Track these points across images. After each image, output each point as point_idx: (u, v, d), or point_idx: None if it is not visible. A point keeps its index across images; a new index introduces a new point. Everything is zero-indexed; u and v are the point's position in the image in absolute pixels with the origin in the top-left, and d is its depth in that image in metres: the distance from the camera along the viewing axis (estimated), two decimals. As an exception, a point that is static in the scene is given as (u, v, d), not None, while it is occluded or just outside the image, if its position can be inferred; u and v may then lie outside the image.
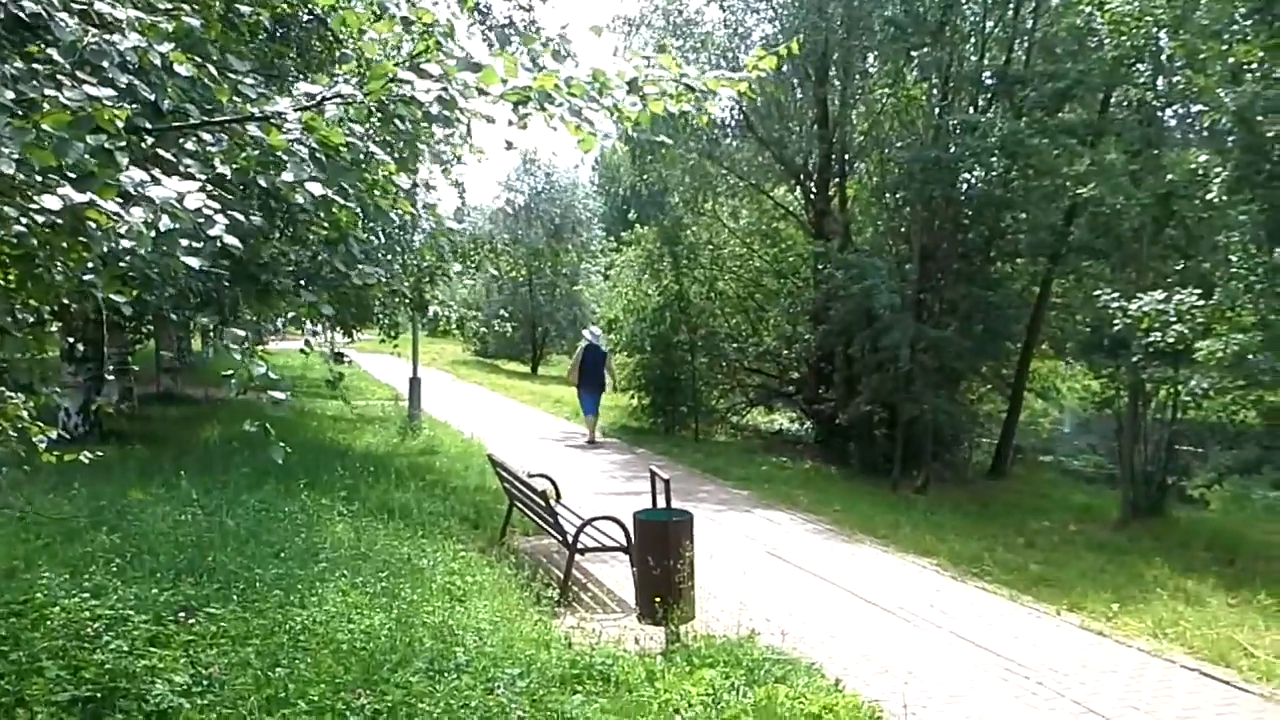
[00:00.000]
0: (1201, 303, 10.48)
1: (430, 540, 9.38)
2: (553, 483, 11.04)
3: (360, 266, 12.46)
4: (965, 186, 17.16)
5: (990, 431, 23.09)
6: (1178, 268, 13.06)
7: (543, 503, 8.68)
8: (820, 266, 19.06)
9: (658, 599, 7.16)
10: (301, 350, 5.56)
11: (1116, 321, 11.23)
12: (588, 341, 20.46)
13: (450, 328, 17.13)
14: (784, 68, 20.19)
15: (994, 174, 15.79)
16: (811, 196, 22.19)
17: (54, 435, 4.51)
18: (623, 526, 8.70)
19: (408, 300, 14.91)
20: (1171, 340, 10.51)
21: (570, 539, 8.56)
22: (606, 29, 22.10)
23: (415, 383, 19.26)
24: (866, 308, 16.67)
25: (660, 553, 7.32)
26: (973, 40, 17.31)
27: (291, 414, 19.25)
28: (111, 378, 17.16)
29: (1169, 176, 12.12)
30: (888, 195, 18.50)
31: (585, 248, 49.03)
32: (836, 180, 21.34)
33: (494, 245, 17.46)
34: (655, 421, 22.20)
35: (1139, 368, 11.76)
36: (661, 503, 8.02)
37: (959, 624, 8.28)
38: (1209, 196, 10.73)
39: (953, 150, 15.41)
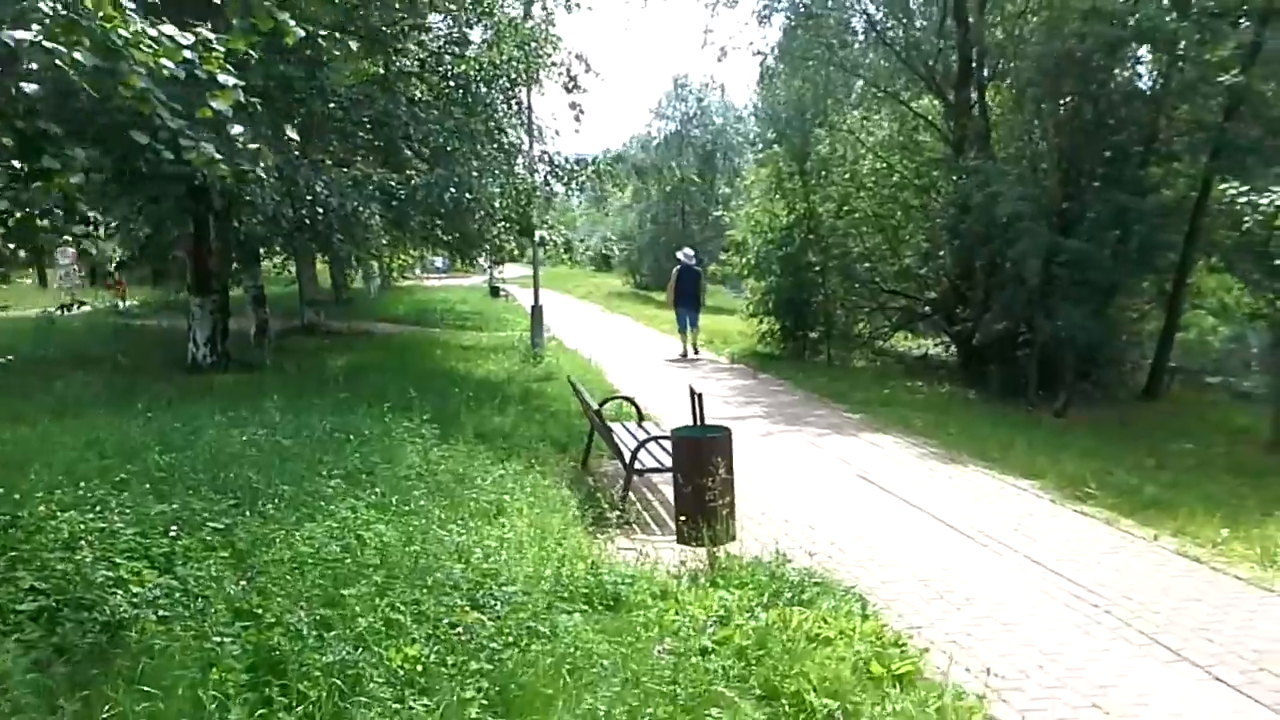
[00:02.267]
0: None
1: (505, 463, 9.35)
2: (634, 404, 10.84)
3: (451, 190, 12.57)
4: (1110, 84, 15.69)
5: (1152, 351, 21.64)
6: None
7: (601, 423, 8.42)
8: (954, 177, 17.97)
9: (683, 517, 6.88)
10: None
11: (1247, 219, 10.10)
12: (681, 263, 21.10)
13: (560, 253, 17.10)
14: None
15: (1134, 65, 14.37)
16: (950, 103, 20.91)
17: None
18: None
19: (515, 225, 14.85)
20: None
21: (628, 458, 8.34)
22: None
23: (538, 310, 19.34)
24: (997, 218, 15.65)
25: (695, 470, 7.01)
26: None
27: (424, 342, 19.82)
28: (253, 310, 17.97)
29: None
30: (1025, 96, 17.14)
31: (738, 173, 47.90)
32: (977, 85, 20.06)
33: (598, 165, 17.11)
34: (786, 347, 21.62)
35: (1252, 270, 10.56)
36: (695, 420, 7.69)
37: (1039, 549, 7.68)
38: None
39: (1087, 41, 14.07)
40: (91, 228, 13.49)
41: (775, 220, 21.24)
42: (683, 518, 6.99)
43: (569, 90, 18.12)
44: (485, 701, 4.18)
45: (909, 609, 6.39)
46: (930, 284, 21.81)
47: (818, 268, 20.84)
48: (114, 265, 22.13)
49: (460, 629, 4.66)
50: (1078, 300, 16.41)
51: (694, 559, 6.80)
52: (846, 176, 22.72)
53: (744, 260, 21.93)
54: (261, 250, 12.69)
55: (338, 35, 14.74)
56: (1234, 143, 14.22)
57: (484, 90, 14.55)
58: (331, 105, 13.08)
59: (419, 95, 15.21)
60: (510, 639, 4.68)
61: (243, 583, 4.85)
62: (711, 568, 6.42)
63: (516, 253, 18.86)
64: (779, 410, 14.44)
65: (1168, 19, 12.92)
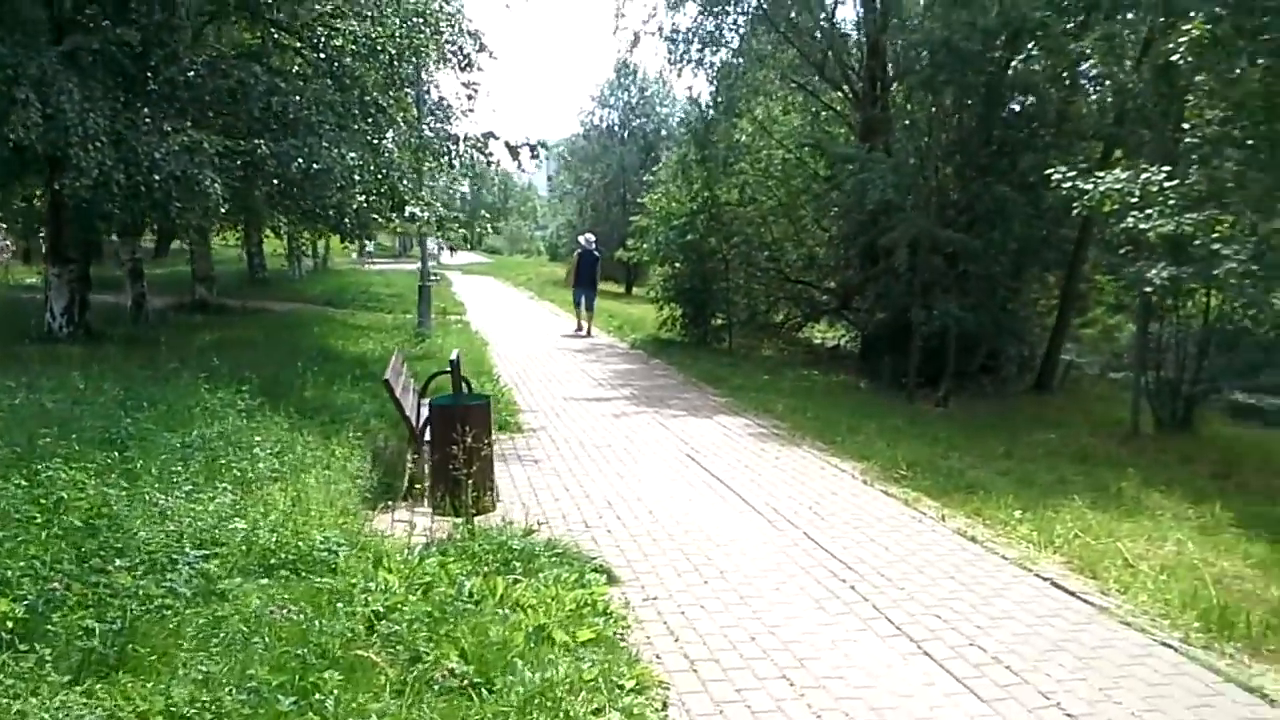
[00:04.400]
0: (1173, 181, 9.21)
1: (310, 435, 9.16)
2: (464, 378, 10.65)
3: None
4: (990, 75, 15.63)
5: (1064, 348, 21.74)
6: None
7: (390, 393, 8.16)
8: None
9: (438, 487, 6.70)
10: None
11: (1075, 205, 10.04)
12: (582, 247, 22.95)
13: (432, 231, 16.87)
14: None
15: (997, 55, 14.29)
16: (858, 96, 20.85)
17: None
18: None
19: (385, 200, 14.59)
20: (1139, 227, 9.27)
21: (415, 428, 8.15)
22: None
23: (424, 290, 19.15)
24: (867, 206, 15.59)
25: (445, 439, 6.84)
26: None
27: (314, 321, 19.48)
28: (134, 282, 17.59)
29: (1168, 45, 10.68)
30: (906, 87, 17.10)
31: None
32: (881, 77, 20.01)
33: (475, 142, 16.91)
34: (689, 334, 21.48)
35: (1121, 265, 10.54)
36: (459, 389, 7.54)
37: (822, 526, 7.59)
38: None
39: (963, 29, 13.99)
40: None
41: (679, 207, 21.07)
42: (437, 488, 6.81)
43: (463, 69, 17.97)
44: (93, 661, 3.99)
45: (655, 581, 6.27)
46: (830, 274, 21.78)
47: (720, 255, 20.70)
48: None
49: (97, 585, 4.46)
50: (960, 292, 16.42)
51: (445, 529, 6.64)
52: (759, 166, 22.65)
53: (645, 246, 21.78)
54: (101, 221, 12.27)
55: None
56: (1123, 139, 14.15)
57: (354, 64, 14.27)
58: (189, 74, 12.79)
59: (294, 68, 14.95)
60: (147, 600, 4.48)
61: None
62: (449, 538, 6.25)
63: (398, 228, 18.43)
64: (647, 393, 14.32)
65: (1035, 10, 12.84)
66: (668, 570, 6.49)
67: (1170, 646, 5.38)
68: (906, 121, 17.51)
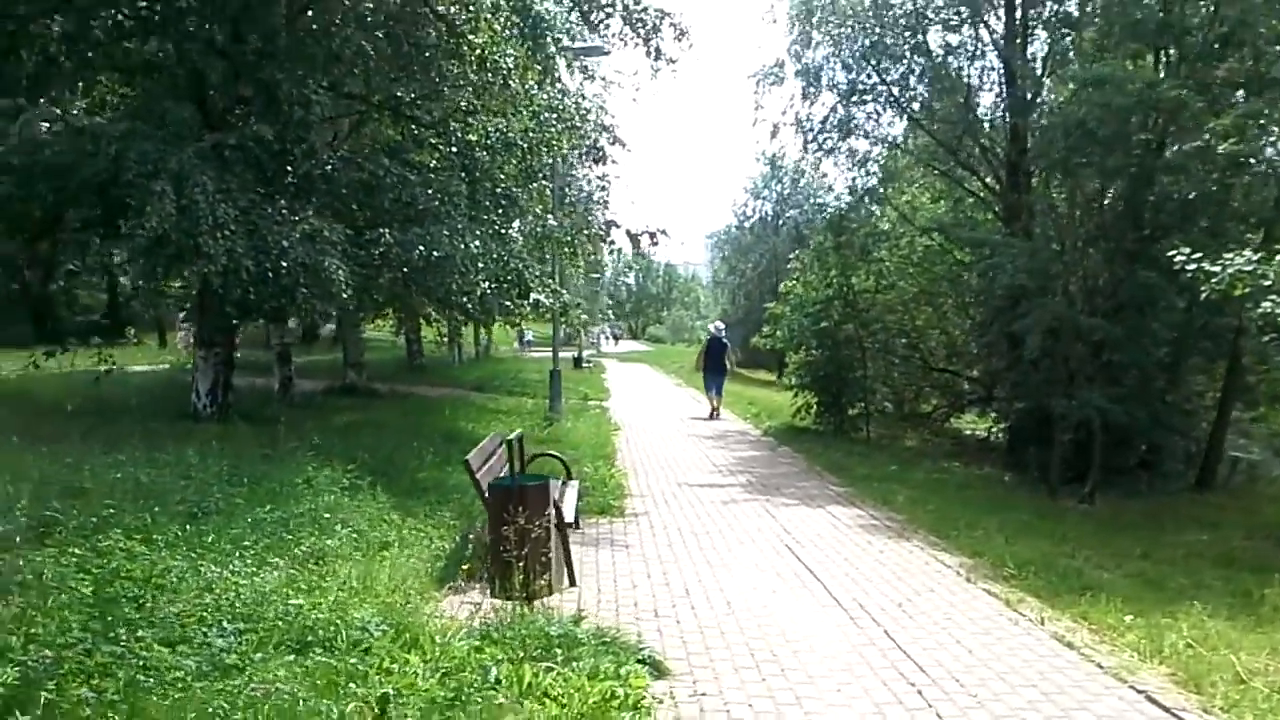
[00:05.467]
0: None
1: (409, 515, 9.32)
2: (563, 461, 10.67)
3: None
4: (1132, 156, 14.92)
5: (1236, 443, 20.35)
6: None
7: (470, 474, 8.12)
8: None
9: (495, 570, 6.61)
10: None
11: (1204, 289, 9.35)
12: (711, 335, 23.72)
13: (558, 316, 17.16)
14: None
15: (1144, 137, 13.62)
16: (1000, 182, 20.30)
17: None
18: (555, 502, 8.09)
19: (510, 287, 14.91)
20: (1275, 311, 8.55)
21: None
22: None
23: (554, 375, 19.39)
24: (1013, 294, 15.00)
25: (499, 521, 6.77)
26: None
27: (454, 405, 19.96)
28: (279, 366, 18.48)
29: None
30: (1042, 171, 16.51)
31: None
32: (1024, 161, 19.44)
33: (595, 232, 17.18)
34: (824, 422, 21.01)
35: (1269, 352, 9.73)
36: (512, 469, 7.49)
37: (906, 626, 7.13)
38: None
39: (1097, 111, 13.42)
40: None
41: (814, 293, 20.83)
42: (493, 570, 6.73)
43: (597, 162, 18.38)
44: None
45: (710, 676, 5.99)
46: (974, 362, 21.02)
47: (856, 342, 20.29)
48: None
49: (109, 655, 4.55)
50: (1108, 381, 15.55)
51: (501, 612, 6.54)
52: (900, 253, 22.27)
53: (779, 334, 21.54)
54: (232, 307, 12.91)
55: (360, 104, 15.39)
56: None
57: (485, 157, 14.79)
58: (327, 168, 13.48)
59: (432, 161, 15.58)
60: (153, 672, 4.53)
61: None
62: (498, 622, 6.14)
63: (531, 316, 18.76)
64: (764, 481, 13.99)
65: (1166, 87, 12.23)
66: (725, 665, 6.20)
67: (1264, 775, 4.78)
68: (1042, 206, 16.83)
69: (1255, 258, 8.71)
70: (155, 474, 9.02)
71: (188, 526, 7.01)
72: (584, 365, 41.71)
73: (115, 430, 12.70)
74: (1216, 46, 13.29)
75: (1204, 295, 9.69)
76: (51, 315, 32.72)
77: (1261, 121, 10.75)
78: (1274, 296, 8.51)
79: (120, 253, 11.55)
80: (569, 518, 8.49)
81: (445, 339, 33.38)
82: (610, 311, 61.68)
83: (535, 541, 6.59)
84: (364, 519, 8.57)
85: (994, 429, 22.64)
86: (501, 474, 8.49)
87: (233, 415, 14.90)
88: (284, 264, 11.66)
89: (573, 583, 7.91)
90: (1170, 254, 10.05)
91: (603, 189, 18.08)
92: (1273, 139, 10.31)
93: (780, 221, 49.79)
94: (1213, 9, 13.53)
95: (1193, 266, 9.32)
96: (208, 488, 8.39)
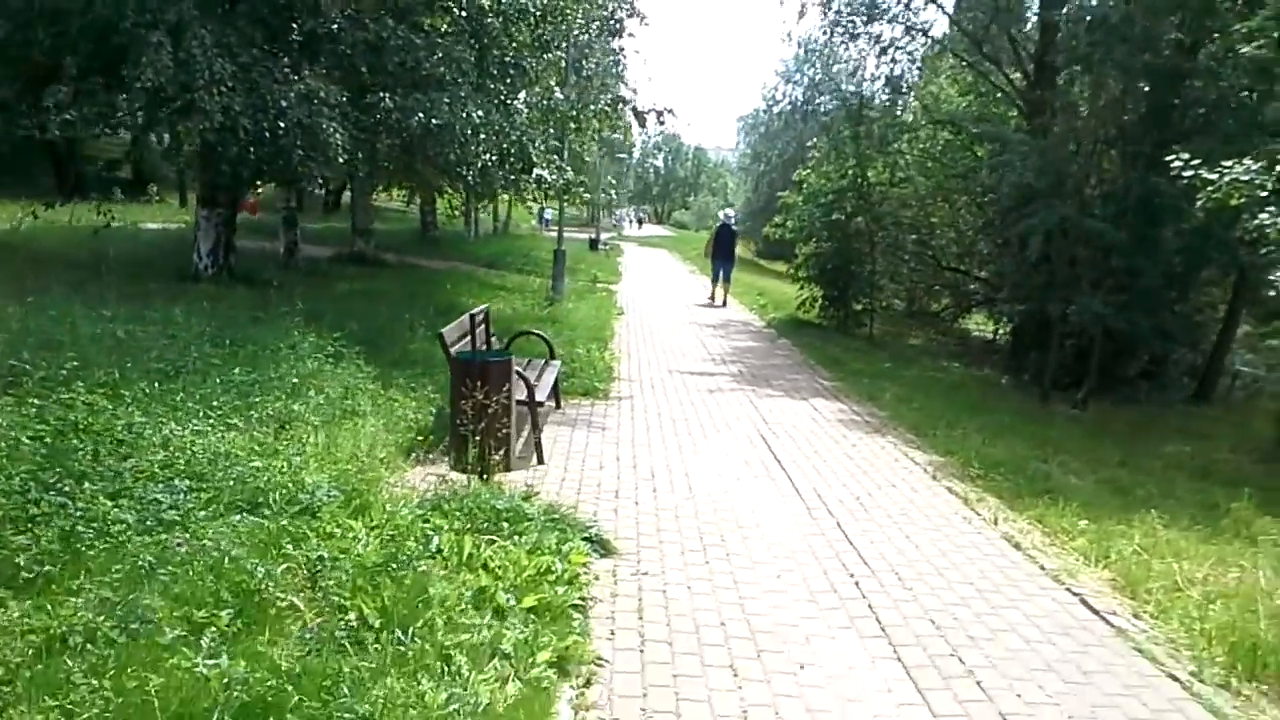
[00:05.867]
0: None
1: (390, 385, 9.40)
2: (546, 340, 10.69)
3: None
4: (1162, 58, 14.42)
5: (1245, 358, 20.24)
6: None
7: (444, 348, 8.14)
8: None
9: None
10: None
11: (1200, 197, 9.13)
12: (721, 221, 23.35)
13: (562, 194, 17.00)
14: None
15: (1174, 36, 13.12)
16: (1027, 78, 19.73)
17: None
18: (526, 380, 8.13)
19: (513, 161, 14.71)
20: (1267, 224, 8.34)
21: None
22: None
23: (559, 255, 19.29)
24: (1023, 194, 14.71)
25: (458, 395, 6.81)
26: None
27: (459, 279, 19.96)
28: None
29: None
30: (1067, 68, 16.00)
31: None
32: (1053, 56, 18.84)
33: (601, 108, 16.84)
34: (830, 317, 20.89)
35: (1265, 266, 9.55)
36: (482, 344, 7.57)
37: (860, 519, 7.20)
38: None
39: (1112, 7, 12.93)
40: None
41: (828, 184, 20.47)
42: (453, 444, 6.81)
43: (614, 35, 17.92)
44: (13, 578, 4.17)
45: (656, 557, 6.10)
46: (984, 263, 20.78)
47: (866, 236, 20.02)
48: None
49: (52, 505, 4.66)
50: (1115, 289, 15.35)
51: (457, 485, 6.64)
52: (920, 146, 21.84)
53: (789, 224, 21.25)
54: (229, 166, 12.77)
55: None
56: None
57: (496, 24, 14.44)
58: (333, 26, 13.20)
59: (444, 25, 15.22)
60: (93, 523, 4.65)
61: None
62: (462, 495, 6.23)
63: (529, 192, 18.47)
64: (756, 371, 14.01)
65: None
66: (674, 548, 6.31)
67: (1176, 679, 4.87)
68: (1062, 104, 16.37)
69: (1255, 167, 8.47)
70: (139, 330, 9.15)
71: (158, 384, 7.11)
72: (600, 247, 41.40)
73: (110, 286, 12.83)
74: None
75: (1199, 203, 9.48)
76: (75, 167, 32.73)
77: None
78: (1271, 209, 8.29)
79: (120, 104, 11.41)
80: (542, 396, 8.56)
81: (460, 212, 33.18)
82: (627, 194, 61.24)
83: (491, 417, 6.64)
84: (340, 386, 8.64)
85: (999, 331, 22.53)
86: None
87: (233, 277, 15.00)
88: (281, 124, 11.54)
89: (541, 460, 8.01)
90: (1169, 159, 9.76)
91: (616, 64, 17.60)
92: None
93: (810, 108, 48.61)
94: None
95: (1189, 173, 9.08)
96: (186, 347, 8.47)
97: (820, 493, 7.84)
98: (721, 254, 23.25)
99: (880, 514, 7.38)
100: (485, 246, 33.75)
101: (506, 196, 31.69)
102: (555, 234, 48.31)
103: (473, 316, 8.08)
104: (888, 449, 9.71)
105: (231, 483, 5.58)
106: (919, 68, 21.33)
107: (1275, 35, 10.28)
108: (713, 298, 23.69)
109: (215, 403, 7.01)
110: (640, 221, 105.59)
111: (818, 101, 49.03)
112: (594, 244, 41.39)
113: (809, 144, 26.82)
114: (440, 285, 18.60)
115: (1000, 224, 16.56)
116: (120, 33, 10.89)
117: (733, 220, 24.26)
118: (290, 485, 5.72)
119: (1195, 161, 9.20)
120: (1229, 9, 12.16)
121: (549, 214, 49.98)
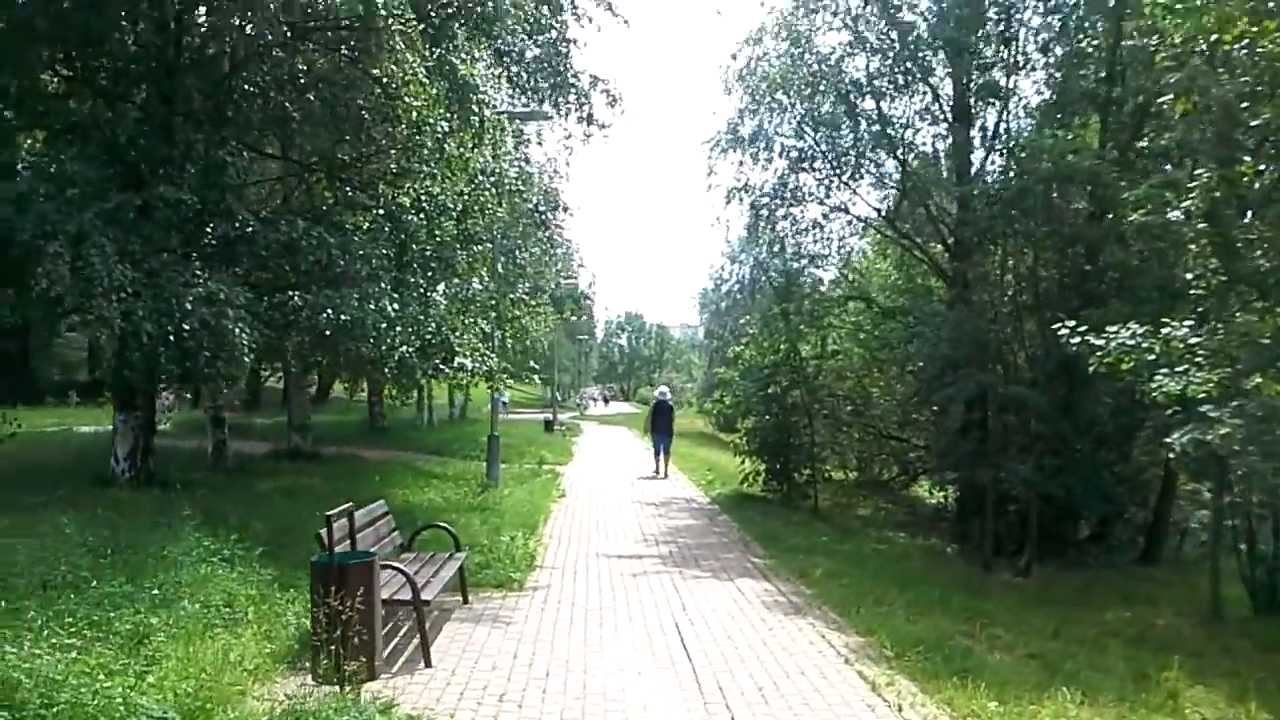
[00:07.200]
0: (1198, 337, 8.31)
1: (287, 588, 9.05)
2: (451, 533, 10.39)
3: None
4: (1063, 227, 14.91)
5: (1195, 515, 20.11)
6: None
7: (326, 547, 7.78)
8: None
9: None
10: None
11: (1090, 363, 9.19)
12: (656, 398, 25.31)
13: (475, 382, 17.07)
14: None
15: (1077, 205, 13.58)
16: (947, 250, 20.29)
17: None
18: (408, 577, 7.82)
19: (435, 351, 14.73)
20: (1176, 389, 8.34)
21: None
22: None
23: (494, 440, 19.13)
24: (948, 361, 14.85)
25: (318, 601, 6.49)
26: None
27: (395, 470, 19.67)
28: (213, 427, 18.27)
29: (1214, 192, 9.87)
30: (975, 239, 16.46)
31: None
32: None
33: (522, 302, 17.08)
34: (773, 489, 20.71)
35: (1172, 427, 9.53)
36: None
37: (759, 712, 6.85)
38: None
39: (1015, 177, 13.42)
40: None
41: (760, 359, 20.68)
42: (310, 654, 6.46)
43: (541, 226, 18.33)
44: None
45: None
46: (923, 431, 20.85)
47: (802, 409, 20.06)
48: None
49: None
50: (1048, 453, 15.34)
51: (318, 695, 6.25)
52: (850, 319, 22.21)
53: (727, 400, 21.36)
54: (129, 371, 12.70)
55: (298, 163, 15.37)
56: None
57: (414, 221, 14.73)
58: (249, 230, 13.35)
59: (364, 224, 15.47)
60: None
61: None
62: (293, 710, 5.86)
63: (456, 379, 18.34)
64: (687, 552, 13.72)
65: (1085, 160, 12.19)
66: (547, 756, 5.93)
67: None
68: (976, 275, 16.75)
69: (1140, 331, 8.55)
70: (19, 542, 8.80)
71: (4, 602, 6.74)
72: (556, 429, 41.32)
73: (10, 495, 12.51)
74: (1136, 118, 13.24)
75: (1091, 369, 9.55)
76: (26, 373, 32.58)
77: (1167, 195, 10.59)
78: (1165, 370, 8.33)
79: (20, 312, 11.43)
80: (433, 594, 8.25)
81: (409, 400, 33.09)
82: (592, 374, 61.77)
83: (345, 624, 6.30)
84: (224, 593, 8.29)
85: (946, 498, 22.40)
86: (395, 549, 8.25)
87: (151, 481, 14.66)
88: (186, 326, 11.49)
89: (428, 664, 7.63)
90: (1055, 326, 9.88)
91: (549, 254, 17.96)
92: (1178, 210, 10.12)
93: (756, 285, 49.71)
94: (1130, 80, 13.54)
95: (1076, 340, 9.17)
96: (59, 559, 8.12)
97: (722, 684, 7.47)
98: (660, 428, 24.45)
99: (780, 704, 7.02)
100: (437, 434, 33.51)
101: (462, 382, 31.66)
102: (514, 417, 47.99)
103: (326, 516, 7.72)
104: (805, 631, 9.37)
105: (55, 710, 5.19)
106: (841, 247, 21.93)
107: (1161, 202, 10.61)
108: (656, 471, 24.58)
109: (70, 619, 6.64)
110: (607, 400, 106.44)
111: (763, 280, 50.45)
112: (549, 425, 41.30)
113: (741, 320, 27.50)
114: (368, 478, 18.30)
115: (925, 393, 16.65)
116: (17, 245, 10.93)
117: (668, 397, 25.76)
118: (123, 709, 5.34)
119: (1082, 329, 9.30)
120: (1116, 178, 12.55)
121: (504, 397, 50.03)
